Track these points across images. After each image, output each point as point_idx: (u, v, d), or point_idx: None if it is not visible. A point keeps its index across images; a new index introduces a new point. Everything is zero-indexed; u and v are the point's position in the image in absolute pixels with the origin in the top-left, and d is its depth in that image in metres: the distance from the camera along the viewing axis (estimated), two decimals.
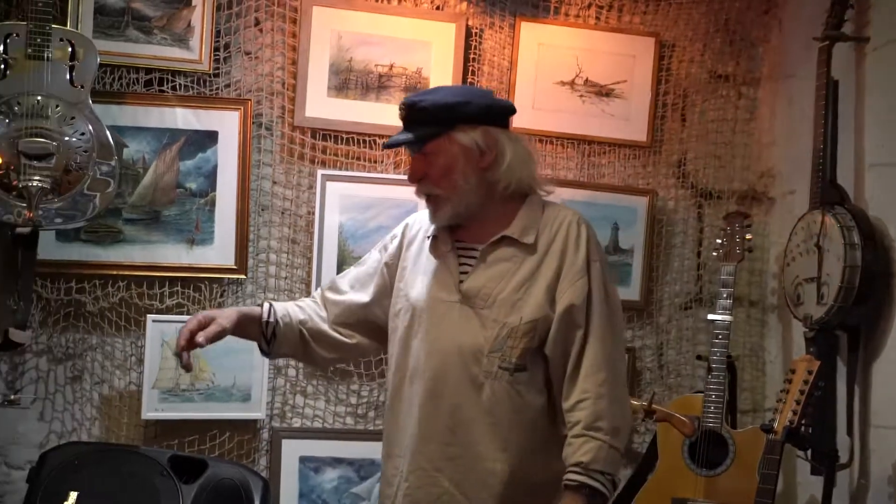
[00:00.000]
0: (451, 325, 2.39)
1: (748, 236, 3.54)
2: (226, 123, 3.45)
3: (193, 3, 3.42)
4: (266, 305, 2.56)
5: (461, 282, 2.41)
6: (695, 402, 3.46)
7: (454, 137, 2.37)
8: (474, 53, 3.65)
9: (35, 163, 2.99)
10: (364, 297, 2.59)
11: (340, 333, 2.59)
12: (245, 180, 3.41)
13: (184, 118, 3.43)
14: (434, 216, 2.45)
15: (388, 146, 2.51)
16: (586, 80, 3.74)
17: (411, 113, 2.39)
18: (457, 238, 2.46)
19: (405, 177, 2.57)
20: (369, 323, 2.60)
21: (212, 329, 2.41)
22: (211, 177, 3.41)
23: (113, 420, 3.46)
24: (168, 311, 3.43)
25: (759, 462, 3.04)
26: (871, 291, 3.10)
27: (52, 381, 3.44)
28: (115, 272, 3.41)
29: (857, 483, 3.20)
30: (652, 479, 3.48)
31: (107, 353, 3.46)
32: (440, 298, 2.41)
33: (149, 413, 3.40)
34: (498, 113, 2.45)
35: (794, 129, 3.73)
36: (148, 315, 3.41)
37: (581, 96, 3.74)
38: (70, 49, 3.10)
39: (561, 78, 3.72)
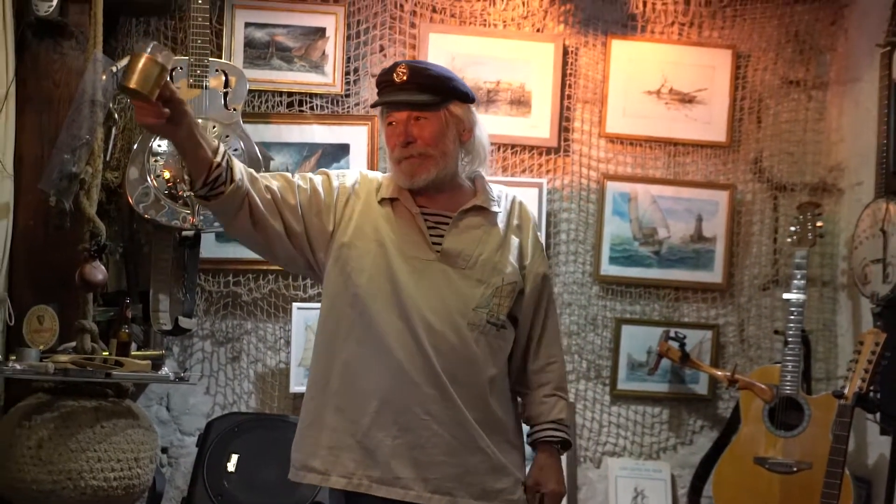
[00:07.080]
0: (431, 280, 2.29)
1: (819, 223, 3.63)
2: (356, 137, 3.69)
3: (327, 35, 3.72)
4: (221, 148, 2.23)
5: (436, 243, 2.32)
6: (773, 371, 3.57)
7: (451, 108, 2.36)
8: (570, 69, 3.86)
9: None
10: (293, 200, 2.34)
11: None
12: None
13: (320, 133, 3.69)
14: (415, 177, 2.33)
15: (396, 103, 2.33)
16: (671, 89, 3.91)
17: (417, 77, 2.31)
18: (419, 205, 2.37)
19: None
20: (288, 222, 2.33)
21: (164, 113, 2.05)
22: None
23: (266, 393, 3.72)
24: (310, 299, 3.66)
25: (831, 424, 3.10)
26: None
27: (215, 360, 3.73)
28: (265, 267, 3.64)
29: None
30: (735, 441, 3.63)
31: (260, 336, 3.73)
32: (415, 256, 2.31)
33: (296, 387, 3.61)
34: (473, 97, 2.44)
35: (859, 127, 3.83)
36: (293, 303, 3.66)
37: (666, 104, 3.91)
38: (224, 78, 3.39)
39: (648, 88, 3.91)
